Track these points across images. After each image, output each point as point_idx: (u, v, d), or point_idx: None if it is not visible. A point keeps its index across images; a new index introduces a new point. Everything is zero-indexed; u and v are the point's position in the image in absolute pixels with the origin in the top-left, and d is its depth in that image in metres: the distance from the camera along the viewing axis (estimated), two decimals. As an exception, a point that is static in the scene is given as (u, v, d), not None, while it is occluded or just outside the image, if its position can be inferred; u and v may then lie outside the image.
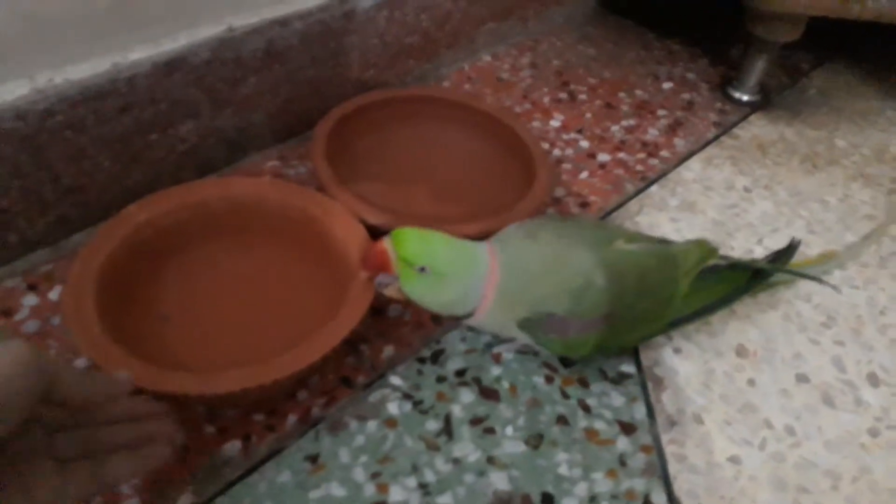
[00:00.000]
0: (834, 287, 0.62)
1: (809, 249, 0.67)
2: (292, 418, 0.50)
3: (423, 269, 0.45)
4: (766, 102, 0.83)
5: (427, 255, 0.46)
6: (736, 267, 0.56)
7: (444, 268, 0.46)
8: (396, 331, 0.56)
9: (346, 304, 0.49)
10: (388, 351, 0.54)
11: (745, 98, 0.83)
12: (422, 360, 0.54)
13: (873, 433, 0.53)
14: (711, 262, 0.55)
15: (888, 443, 0.53)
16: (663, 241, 0.54)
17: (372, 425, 0.50)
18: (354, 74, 0.73)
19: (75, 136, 0.55)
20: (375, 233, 0.58)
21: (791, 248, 0.59)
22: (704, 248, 0.54)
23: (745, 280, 0.56)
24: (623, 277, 0.49)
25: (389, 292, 0.48)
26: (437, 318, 0.57)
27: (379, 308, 0.57)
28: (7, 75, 0.51)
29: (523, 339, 0.50)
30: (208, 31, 0.61)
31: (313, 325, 0.48)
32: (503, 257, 0.47)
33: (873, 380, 0.57)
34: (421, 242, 0.46)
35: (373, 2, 0.70)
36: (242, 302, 0.55)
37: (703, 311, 0.55)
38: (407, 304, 0.49)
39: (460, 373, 0.54)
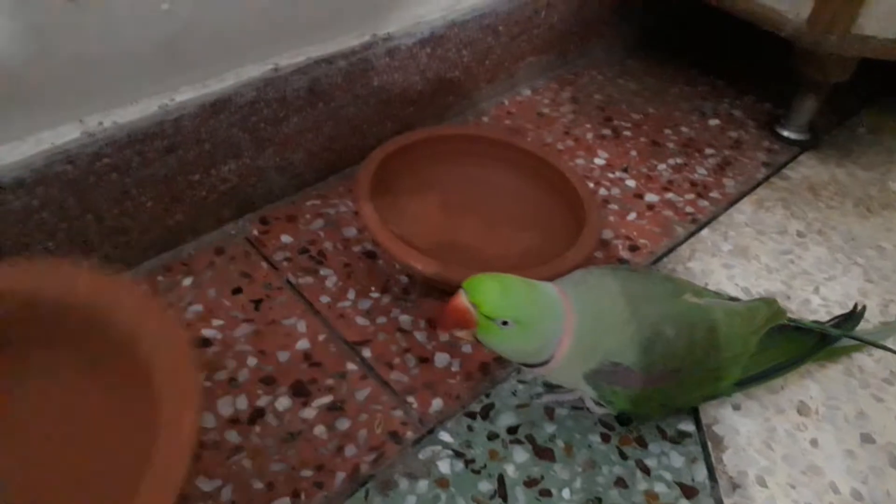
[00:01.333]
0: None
1: (868, 300, 0.65)
2: (341, 475, 0.48)
3: (505, 323, 0.43)
4: (815, 142, 0.81)
5: (510, 309, 0.43)
6: (803, 329, 0.54)
7: (528, 319, 0.44)
8: (444, 382, 0.54)
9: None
10: (437, 404, 0.52)
11: (795, 137, 0.81)
12: (471, 415, 0.52)
13: (946, 499, 0.51)
14: (779, 322, 0.53)
15: (962, 510, 0.50)
16: (730, 298, 0.52)
17: (423, 485, 0.48)
18: (395, 111, 0.72)
19: (120, 177, 0.54)
20: (421, 278, 0.56)
21: (856, 314, 0.57)
22: (773, 307, 0.53)
23: (813, 343, 0.54)
24: (693, 331, 0.47)
25: (460, 335, 0.46)
26: (485, 370, 0.55)
27: (425, 357, 0.55)
28: (58, 119, 0.51)
29: (586, 392, 0.48)
30: (254, 71, 0.60)
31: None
32: (577, 305, 0.45)
33: (943, 441, 0.54)
34: (502, 295, 0.43)
35: (416, 39, 0.69)
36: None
37: (770, 373, 0.53)
38: (475, 344, 0.47)
39: (512, 429, 0.52)
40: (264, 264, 0.61)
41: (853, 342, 0.58)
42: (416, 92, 0.73)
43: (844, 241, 0.70)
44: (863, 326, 0.60)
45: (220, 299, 0.58)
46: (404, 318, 0.58)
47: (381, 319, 0.58)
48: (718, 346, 0.49)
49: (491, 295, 0.43)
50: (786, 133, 0.81)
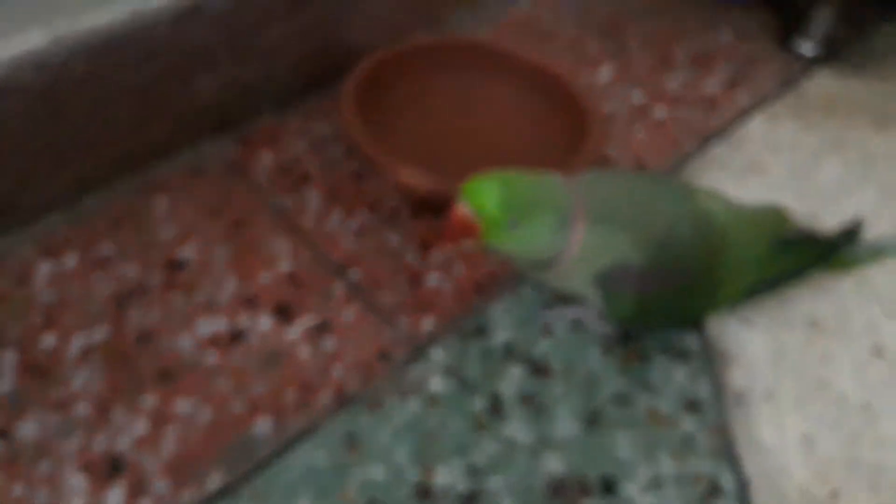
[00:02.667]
0: None
1: (882, 215, 0.61)
2: (326, 395, 0.46)
3: (513, 223, 0.40)
4: (831, 55, 0.76)
5: (515, 205, 0.40)
6: (812, 238, 0.51)
7: (534, 211, 0.41)
8: (436, 302, 0.51)
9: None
10: (428, 324, 0.50)
11: (810, 50, 0.76)
12: (465, 334, 0.50)
13: (964, 414, 0.48)
14: (787, 230, 0.50)
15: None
16: (741, 205, 0.49)
17: (414, 403, 0.46)
18: (386, 19, 0.68)
19: (92, 87, 0.51)
20: (421, 197, 0.53)
21: (855, 228, 0.53)
22: (781, 214, 0.50)
23: (822, 253, 0.51)
24: (707, 231, 0.45)
25: (467, 247, 0.43)
26: (480, 289, 0.52)
27: (415, 277, 0.53)
28: (24, 23, 0.47)
29: (593, 298, 0.45)
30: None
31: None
32: (587, 198, 0.43)
33: (961, 355, 0.52)
34: (504, 193, 0.40)
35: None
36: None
37: (776, 281, 0.50)
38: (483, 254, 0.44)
39: (508, 347, 0.49)
40: (244, 185, 0.58)
41: (866, 255, 0.55)
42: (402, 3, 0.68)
43: (860, 155, 0.67)
44: (875, 240, 0.57)
45: (198, 220, 0.56)
46: (394, 238, 0.55)
47: (370, 240, 0.55)
48: (729, 251, 0.46)
49: (492, 195, 0.40)
50: (801, 46, 0.76)
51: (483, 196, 0.40)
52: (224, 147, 0.61)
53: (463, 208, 0.40)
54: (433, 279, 0.53)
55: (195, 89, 0.57)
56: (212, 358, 0.47)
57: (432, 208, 0.57)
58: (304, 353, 0.48)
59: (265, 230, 0.55)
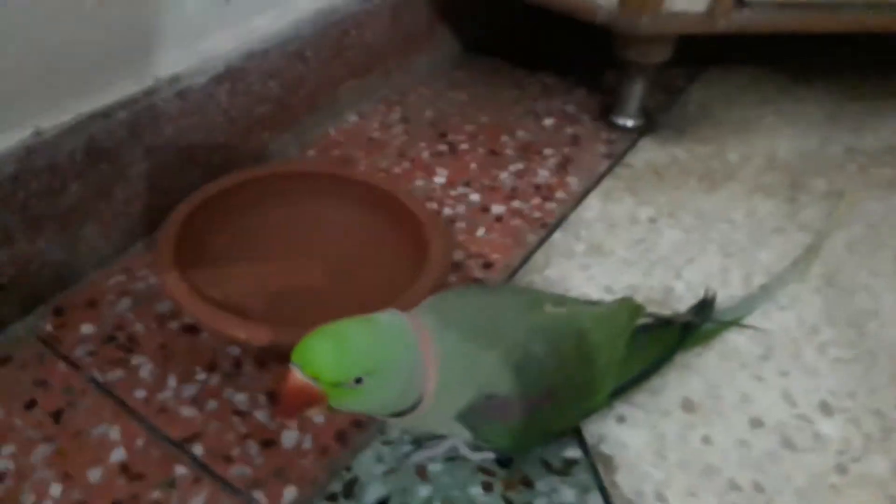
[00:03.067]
0: (763, 330, 0.57)
1: (730, 275, 0.63)
2: None
3: (358, 381, 0.36)
4: (651, 125, 0.80)
5: (355, 364, 0.36)
6: (669, 322, 0.51)
7: (380, 364, 0.36)
8: (296, 465, 0.46)
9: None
10: (290, 494, 0.44)
11: (630, 123, 0.79)
12: (332, 497, 0.45)
13: (840, 470, 0.48)
14: (640, 319, 0.49)
15: (857, 479, 0.48)
16: (590, 303, 0.48)
17: None
18: (202, 159, 0.64)
19: None
20: (262, 351, 0.48)
21: (708, 300, 0.54)
22: (632, 306, 0.49)
23: (678, 334, 0.51)
24: (561, 344, 0.42)
25: (313, 414, 0.38)
26: (343, 439, 0.47)
27: (268, 440, 0.47)
28: None
29: (461, 435, 0.42)
30: (9, 139, 0.50)
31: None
32: (435, 332, 0.39)
33: (826, 409, 0.52)
34: (339, 353, 0.36)
35: (209, 76, 0.61)
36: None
37: (643, 375, 0.49)
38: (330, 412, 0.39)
39: (382, 503, 0.45)
40: (62, 365, 0.51)
41: (722, 323, 0.56)
42: (223, 133, 0.65)
43: (695, 219, 0.69)
44: (728, 303, 0.58)
45: (11, 419, 0.48)
46: (239, 398, 0.50)
47: (212, 404, 0.49)
48: (590, 357, 0.44)
49: (327, 358, 0.36)
50: (620, 121, 0.79)
51: (317, 361, 0.36)
52: (35, 324, 0.54)
53: (298, 377, 0.36)
54: (289, 438, 0.47)
55: (-16, 270, 0.50)
56: None
57: (279, 356, 0.52)
58: (147, 563, 0.41)
59: (90, 416, 0.48)
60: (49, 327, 0.54)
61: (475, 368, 0.40)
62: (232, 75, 0.63)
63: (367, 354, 0.37)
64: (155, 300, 0.56)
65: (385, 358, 0.37)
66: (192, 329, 0.54)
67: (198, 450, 0.46)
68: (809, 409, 0.52)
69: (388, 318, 0.39)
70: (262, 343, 0.46)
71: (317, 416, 0.42)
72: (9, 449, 0.46)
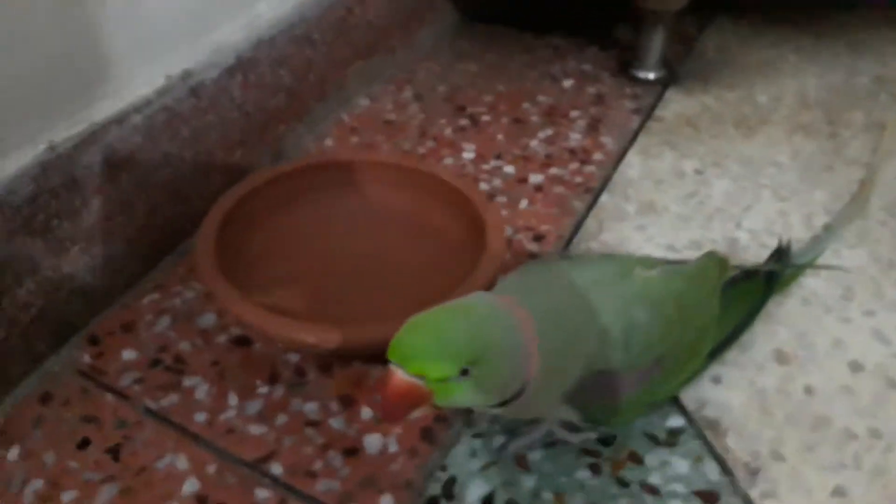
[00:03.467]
0: (844, 268, 0.54)
1: (790, 219, 0.60)
2: None
3: (464, 373, 0.32)
4: (673, 76, 0.77)
5: (460, 355, 0.32)
6: (750, 274, 0.48)
7: (485, 352, 0.33)
8: (386, 472, 0.42)
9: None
10: (387, 502, 0.41)
11: (652, 76, 0.76)
12: (433, 501, 0.41)
13: (955, 405, 0.46)
14: (727, 274, 0.46)
15: (975, 411, 0.45)
16: (674, 262, 0.45)
17: None
18: (220, 160, 0.59)
19: None
20: (315, 351, 0.45)
21: (784, 247, 0.51)
22: (719, 260, 0.46)
23: (763, 285, 0.48)
24: (662, 308, 0.39)
25: (418, 415, 0.34)
26: (430, 437, 0.44)
27: (352, 447, 0.43)
28: None
29: (566, 417, 0.38)
30: (21, 157, 0.45)
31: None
32: (530, 316, 0.35)
33: (923, 343, 0.50)
34: (442, 345, 0.32)
35: (222, 68, 0.57)
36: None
37: (737, 331, 0.46)
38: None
39: (487, 501, 0.41)
40: (110, 397, 0.47)
41: (795, 270, 0.53)
42: (239, 130, 0.60)
43: (742, 166, 0.66)
44: (796, 247, 0.55)
45: (64, 462, 0.43)
46: (310, 408, 0.46)
47: (281, 418, 0.45)
48: (690, 319, 0.41)
49: (430, 353, 0.32)
50: (642, 74, 0.76)
51: (420, 357, 0.32)
52: (70, 356, 0.49)
53: (401, 377, 0.32)
54: (373, 444, 0.44)
55: (15, 305, 0.46)
56: None
57: (343, 358, 0.48)
58: None
59: (151, 448, 0.44)
60: (87, 358, 0.49)
61: (579, 345, 0.37)
62: (243, 66, 0.59)
63: (470, 343, 0.33)
64: (195, 315, 0.52)
65: (489, 344, 0.33)
66: (243, 341, 0.50)
67: (276, 469, 0.43)
68: (905, 346, 0.50)
69: (481, 302, 0.36)
70: (334, 346, 0.43)
71: (421, 415, 0.37)
72: (70, 495, 0.42)
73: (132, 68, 0.51)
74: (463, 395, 0.34)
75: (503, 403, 0.36)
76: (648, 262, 0.42)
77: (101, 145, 0.49)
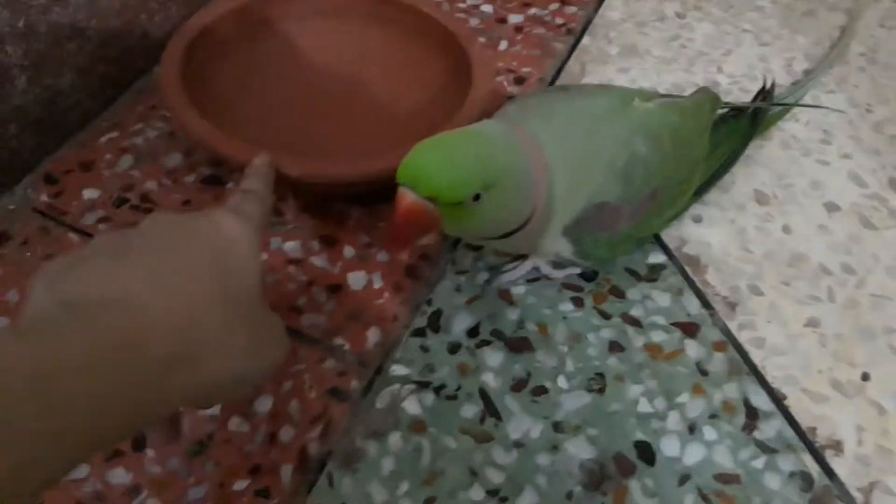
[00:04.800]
0: (836, 109, 0.54)
1: (771, 63, 0.59)
2: (287, 469, 0.36)
3: (477, 198, 0.31)
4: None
5: (474, 176, 0.31)
6: (737, 113, 0.47)
7: (497, 175, 0.32)
8: (371, 306, 0.42)
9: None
10: (374, 335, 0.41)
11: (636, -87, 0.71)
12: (420, 333, 0.41)
13: (922, 243, 0.47)
14: (718, 110, 0.45)
15: (940, 249, 0.47)
16: (670, 96, 0.43)
17: (395, 439, 0.37)
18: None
19: None
20: (295, 185, 0.43)
21: (769, 89, 0.50)
22: (712, 96, 0.45)
23: (748, 124, 0.47)
24: (660, 141, 0.38)
25: (425, 241, 0.34)
26: (414, 273, 0.43)
27: (336, 284, 0.43)
28: None
29: (563, 251, 0.38)
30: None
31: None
32: (536, 142, 0.35)
33: (895, 185, 0.50)
34: (455, 167, 0.31)
35: None
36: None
37: (722, 169, 0.46)
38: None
39: (473, 331, 0.41)
40: (74, 235, 0.45)
41: (776, 112, 0.52)
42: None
43: (724, 9, 0.64)
44: (777, 91, 0.55)
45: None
46: (290, 246, 0.44)
47: (261, 257, 0.44)
48: (684, 152, 0.40)
49: (444, 174, 0.31)
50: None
51: (434, 178, 0.30)
52: (26, 196, 0.46)
53: (411, 198, 0.31)
54: (357, 280, 0.43)
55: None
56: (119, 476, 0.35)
57: (323, 196, 0.47)
58: (236, 425, 0.37)
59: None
60: (44, 197, 0.46)
61: (583, 176, 0.36)
62: None
63: (483, 166, 0.32)
64: (160, 155, 0.49)
65: (503, 169, 0.32)
66: (214, 179, 0.48)
67: (258, 305, 0.42)
68: (879, 187, 0.50)
69: (490, 128, 0.34)
70: (307, 174, 0.40)
71: (428, 241, 0.36)
72: (41, 331, 0.40)
73: None
74: (473, 221, 0.33)
75: (508, 234, 0.35)
76: (646, 95, 0.41)
77: (42, -40, 0.44)
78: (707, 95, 0.44)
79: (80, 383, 0.22)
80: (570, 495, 0.35)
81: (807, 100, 0.56)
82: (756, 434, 0.38)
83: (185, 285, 0.26)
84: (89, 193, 0.47)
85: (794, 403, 0.39)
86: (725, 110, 0.46)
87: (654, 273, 0.45)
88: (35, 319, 0.24)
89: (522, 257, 0.44)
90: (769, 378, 0.40)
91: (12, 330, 0.24)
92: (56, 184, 0.47)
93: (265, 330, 0.30)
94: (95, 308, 0.24)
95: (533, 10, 0.62)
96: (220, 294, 0.27)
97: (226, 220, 0.30)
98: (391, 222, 0.32)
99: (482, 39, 0.59)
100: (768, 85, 0.50)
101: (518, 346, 0.41)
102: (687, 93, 0.55)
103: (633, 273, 0.44)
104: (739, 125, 0.47)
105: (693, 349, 0.41)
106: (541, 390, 0.39)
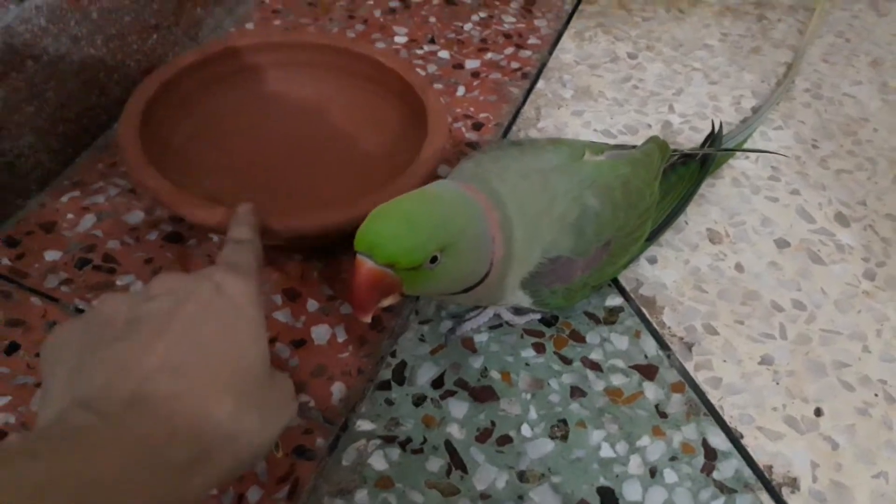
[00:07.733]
0: (781, 153, 0.56)
1: (720, 101, 0.61)
2: (254, 531, 0.36)
3: (433, 261, 0.32)
4: (606, -44, 0.75)
5: (431, 240, 0.32)
6: (687, 158, 0.48)
7: (454, 237, 0.33)
8: (335, 360, 0.42)
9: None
10: (338, 390, 0.41)
11: (586, -44, 0.74)
12: (385, 386, 0.42)
13: (869, 276, 0.49)
14: (668, 158, 0.47)
15: (886, 281, 0.48)
16: (619, 147, 0.45)
17: (361, 496, 0.37)
18: (134, 45, 0.55)
19: None
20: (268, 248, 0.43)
21: (717, 132, 0.52)
22: (662, 145, 0.46)
23: (697, 168, 0.49)
24: (611, 193, 0.40)
25: (386, 304, 0.34)
26: (378, 325, 0.44)
27: (300, 339, 0.43)
28: None
29: (520, 302, 0.39)
30: None
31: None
32: (493, 200, 0.36)
33: (842, 219, 0.52)
34: (414, 232, 0.32)
35: (129, -58, 0.51)
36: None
37: (674, 213, 0.47)
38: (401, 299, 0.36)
39: (437, 382, 0.42)
40: (36, 299, 0.44)
41: (724, 154, 0.54)
42: (153, 13, 0.55)
43: (673, 49, 0.66)
44: (726, 130, 0.57)
45: (-8, 368, 0.41)
46: (253, 301, 0.45)
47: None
48: (635, 202, 0.42)
49: (399, 242, 0.31)
50: (575, -46, 0.74)
51: (391, 245, 0.31)
52: (-16, 261, 0.46)
53: (369, 265, 0.31)
54: (320, 334, 0.44)
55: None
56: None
57: (286, 248, 0.47)
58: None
59: (83, 350, 0.42)
60: (6, 261, 0.46)
61: (537, 231, 0.37)
62: (151, -61, 0.53)
63: (439, 229, 0.32)
64: (122, 213, 0.49)
65: (458, 231, 0.33)
66: (176, 237, 0.48)
67: (223, 364, 0.42)
68: (826, 222, 0.52)
69: (446, 190, 0.35)
70: (277, 236, 0.41)
71: (390, 303, 0.37)
72: (3, 400, 0.40)
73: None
74: (432, 282, 0.34)
75: (467, 290, 0.36)
76: (596, 147, 0.42)
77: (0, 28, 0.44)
78: (656, 143, 0.46)
79: (116, 496, 0.23)
80: (535, 545, 0.36)
81: (756, 137, 0.58)
82: (714, 475, 0.39)
83: (199, 374, 0.27)
84: (51, 255, 0.47)
85: (751, 442, 0.40)
86: (675, 157, 0.48)
87: (612, 316, 0.46)
88: (64, 426, 0.24)
89: (484, 305, 0.44)
90: (726, 418, 0.41)
91: (41, 435, 0.24)
92: (17, 245, 0.47)
93: (274, 398, 0.30)
94: (118, 406, 0.25)
95: (489, 55, 0.63)
96: (230, 376, 0.28)
97: (227, 283, 0.30)
98: (351, 289, 0.33)
99: (439, 86, 0.60)
100: (716, 128, 0.52)
101: (482, 395, 0.41)
102: (640, 134, 0.57)
103: (592, 316, 0.46)
104: (689, 170, 0.48)
105: (652, 391, 0.42)
106: (505, 439, 0.40)
